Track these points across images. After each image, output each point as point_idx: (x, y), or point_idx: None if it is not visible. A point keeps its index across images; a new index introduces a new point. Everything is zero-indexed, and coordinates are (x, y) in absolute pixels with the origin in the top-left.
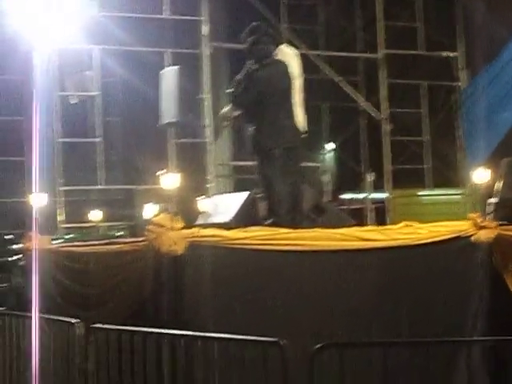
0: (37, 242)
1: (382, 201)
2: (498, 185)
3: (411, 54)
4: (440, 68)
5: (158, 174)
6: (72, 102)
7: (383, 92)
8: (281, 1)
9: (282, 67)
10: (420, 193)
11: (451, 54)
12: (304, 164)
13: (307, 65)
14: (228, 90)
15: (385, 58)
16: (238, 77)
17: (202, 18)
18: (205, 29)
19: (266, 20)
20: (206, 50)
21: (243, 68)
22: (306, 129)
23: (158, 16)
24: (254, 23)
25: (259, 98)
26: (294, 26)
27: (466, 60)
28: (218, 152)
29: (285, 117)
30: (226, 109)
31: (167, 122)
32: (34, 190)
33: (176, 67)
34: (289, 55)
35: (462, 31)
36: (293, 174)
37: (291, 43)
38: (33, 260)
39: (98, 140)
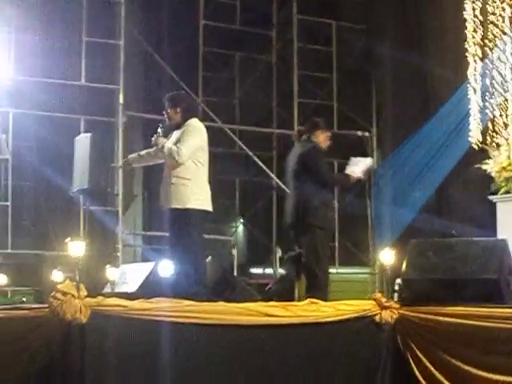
0: None
1: None
2: (403, 266)
3: None
4: (353, 147)
5: (65, 240)
6: None
7: None
8: (198, 73)
9: None
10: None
11: (364, 134)
12: (215, 237)
13: (222, 139)
14: None
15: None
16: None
17: (117, 87)
18: (120, 97)
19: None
20: (120, 118)
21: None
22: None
23: (75, 82)
24: (177, 91)
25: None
26: (211, 98)
27: (377, 140)
28: (129, 221)
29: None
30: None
31: (78, 188)
32: None
33: (88, 134)
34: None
35: (375, 112)
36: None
37: (207, 115)
38: None
39: (7, 203)
